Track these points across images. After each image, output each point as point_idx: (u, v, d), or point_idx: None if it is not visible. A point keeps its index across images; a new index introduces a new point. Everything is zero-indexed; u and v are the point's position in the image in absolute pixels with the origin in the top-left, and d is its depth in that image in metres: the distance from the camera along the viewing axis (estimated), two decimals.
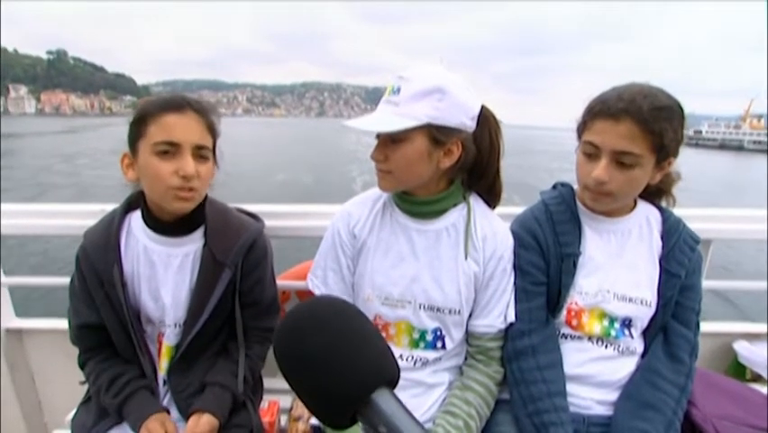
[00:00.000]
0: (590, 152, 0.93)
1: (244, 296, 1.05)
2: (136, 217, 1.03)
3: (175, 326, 1.02)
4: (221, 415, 0.97)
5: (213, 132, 0.99)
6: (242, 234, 1.04)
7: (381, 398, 0.37)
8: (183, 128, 0.91)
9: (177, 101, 0.92)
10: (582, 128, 0.96)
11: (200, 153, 0.94)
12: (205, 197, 1.05)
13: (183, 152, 0.91)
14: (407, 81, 0.90)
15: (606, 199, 0.96)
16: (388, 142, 0.93)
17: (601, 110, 0.90)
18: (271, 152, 35.69)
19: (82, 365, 1.05)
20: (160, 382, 1.04)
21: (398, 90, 0.90)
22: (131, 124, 0.94)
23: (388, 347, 0.42)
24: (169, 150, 0.90)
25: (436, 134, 0.90)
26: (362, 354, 0.39)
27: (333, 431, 0.97)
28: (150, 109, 0.91)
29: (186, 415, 0.98)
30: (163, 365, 1.04)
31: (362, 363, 0.39)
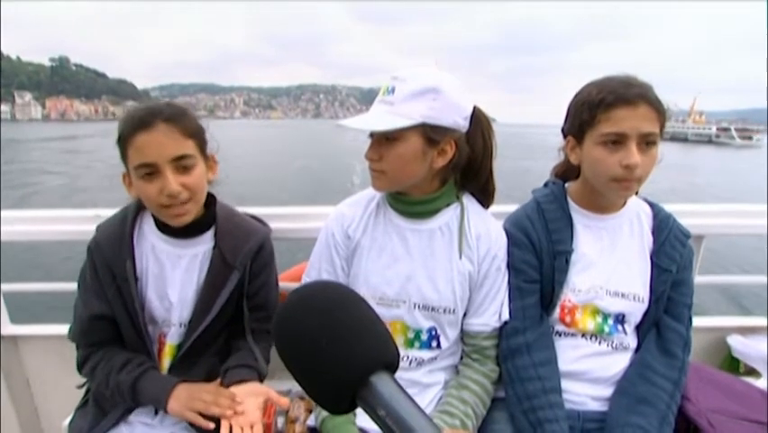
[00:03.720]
0: (614, 141, 0.92)
1: (250, 299, 1.06)
2: (147, 217, 1.04)
3: (180, 325, 1.03)
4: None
5: (192, 134, 0.95)
6: (251, 237, 1.05)
7: (380, 381, 0.37)
8: (155, 146, 0.89)
9: (145, 118, 0.90)
10: (588, 123, 0.95)
11: (182, 164, 0.92)
12: (215, 200, 1.06)
13: (162, 171, 0.90)
14: (402, 81, 0.91)
15: (635, 185, 0.95)
16: (383, 141, 0.93)
17: (616, 99, 0.90)
18: (281, 149, 43.11)
19: (83, 362, 1.02)
20: None
21: (393, 90, 0.91)
22: (116, 144, 0.93)
23: (387, 331, 0.41)
24: (150, 171, 0.90)
25: (430, 134, 0.91)
26: (360, 336, 0.39)
27: (331, 426, 0.98)
28: (124, 131, 0.91)
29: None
30: (164, 364, 1.04)
31: (360, 345, 0.38)
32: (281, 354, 0.40)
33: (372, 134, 0.96)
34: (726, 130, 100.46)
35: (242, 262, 1.02)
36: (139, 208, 1.04)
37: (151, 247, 1.02)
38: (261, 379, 1.03)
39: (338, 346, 0.38)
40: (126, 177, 0.97)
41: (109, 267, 0.98)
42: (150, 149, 0.89)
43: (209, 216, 1.04)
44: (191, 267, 1.02)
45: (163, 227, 1.02)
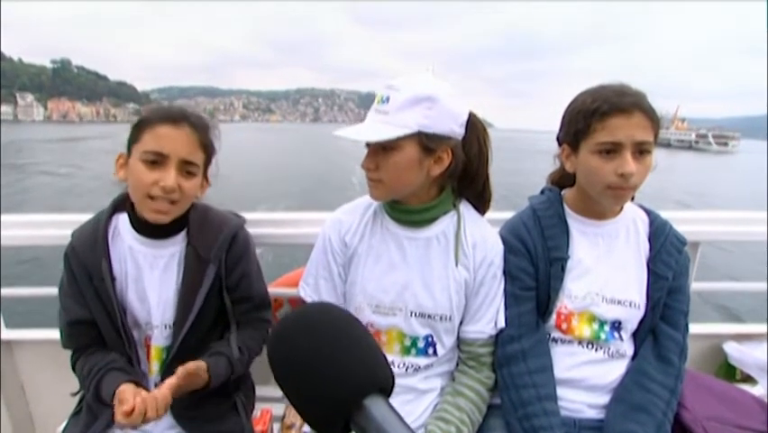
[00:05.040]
0: (609, 150, 0.92)
1: (233, 291, 1.06)
2: (123, 219, 1.04)
3: (164, 327, 1.02)
4: (214, 373, 0.96)
5: (206, 149, 0.99)
6: (223, 228, 1.05)
7: (374, 405, 0.37)
8: (173, 141, 0.93)
9: (175, 114, 0.94)
10: (583, 132, 0.95)
11: (187, 169, 0.95)
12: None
13: (168, 164, 0.93)
14: (396, 90, 0.91)
15: (630, 193, 0.96)
16: (379, 150, 0.94)
17: (611, 108, 0.91)
18: (291, 150, 48.39)
19: (73, 367, 1.03)
20: (152, 385, 1.04)
21: (387, 99, 0.91)
22: (132, 126, 0.96)
23: (383, 355, 0.41)
24: (157, 159, 0.92)
25: (426, 142, 0.91)
26: (355, 358, 0.39)
27: None
28: (148, 117, 0.94)
29: (181, 419, 0.99)
30: (154, 368, 1.04)
31: (354, 368, 0.38)
32: (275, 373, 0.40)
33: (369, 144, 0.96)
34: (704, 136, 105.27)
35: (216, 255, 1.02)
36: (114, 210, 1.04)
37: (129, 249, 1.02)
38: (232, 364, 1.01)
39: (333, 369, 0.38)
40: (122, 157, 0.98)
41: (86, 269, 0.98)
42: (168, 141, 0.93)
43: (183, 214, 1.03)
44: (169, 267, 1.02)
45: (139, 227, 1.02)
